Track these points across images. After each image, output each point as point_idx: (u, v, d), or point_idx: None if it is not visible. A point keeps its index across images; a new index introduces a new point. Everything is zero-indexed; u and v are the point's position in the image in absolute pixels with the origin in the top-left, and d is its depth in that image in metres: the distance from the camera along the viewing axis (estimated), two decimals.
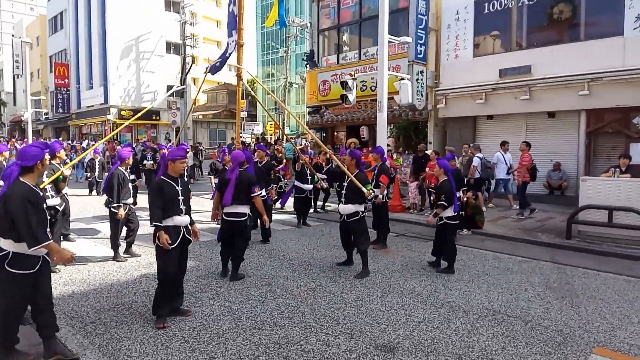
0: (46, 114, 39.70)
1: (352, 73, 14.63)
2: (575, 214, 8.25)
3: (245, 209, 5.84)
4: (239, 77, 7.69)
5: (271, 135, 33.48)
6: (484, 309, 4.98)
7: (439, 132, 14.91)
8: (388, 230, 8.04)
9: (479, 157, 10.95)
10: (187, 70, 29.16)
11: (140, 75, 32.88)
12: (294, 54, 40.63)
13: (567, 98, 11.66)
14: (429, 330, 4.38)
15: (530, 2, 12.39)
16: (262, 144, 15.11)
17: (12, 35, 45.27)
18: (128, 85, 32.43)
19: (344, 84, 11.98)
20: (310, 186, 9.72)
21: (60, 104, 36.57)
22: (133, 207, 7.02)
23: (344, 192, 6.22)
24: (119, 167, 6.65)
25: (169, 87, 33.70)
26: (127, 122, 8.97)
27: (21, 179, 3.44)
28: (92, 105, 33.53)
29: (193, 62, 30.39)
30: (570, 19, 11.99)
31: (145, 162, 14.64)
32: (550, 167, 12.24)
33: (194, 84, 41.16)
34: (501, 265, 6.83)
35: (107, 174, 7.55)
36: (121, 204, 6.53)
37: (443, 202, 6.29)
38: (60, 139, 29.70)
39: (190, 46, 29.07)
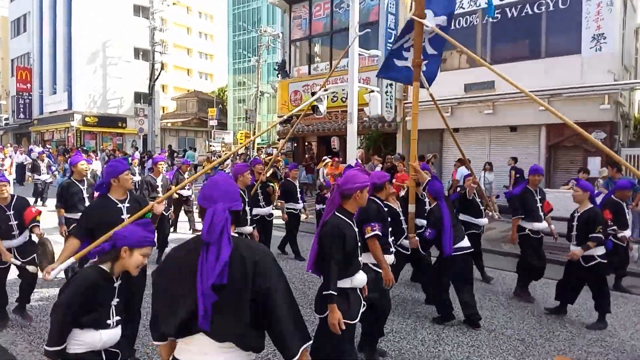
0: (6, 119, 38.19)
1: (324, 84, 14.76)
2: None
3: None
4: (418, 65, 5.45)
5: (241, 144, 33.29)
6: None
7: (407, 143, 15.18)
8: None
9: None
10: (155, 77, 28.63)
11: (106, 81, 32.10)
12: (265, 63, 40.65)
13: (529, 113, 12.12)
14: (397, 341, 4.42)
15: (494, 20, 12.87)
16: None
17: None
18: (94, 91, 31.58)
19: (315, 95, 12.08)
20: (486, 220, 6.54)
21: (22, 109, 35.20)
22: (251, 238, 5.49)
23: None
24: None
25: (137, 94, 33.01)
26: (259, 134, 7.89)
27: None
28: (55, 111, 32.45)
29: (162, 68, 29.92)
30: (532, 37, 12.54)
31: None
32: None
33: (163, 91, 40.50)
34: None
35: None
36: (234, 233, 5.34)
37: (599, 235, 4.87)
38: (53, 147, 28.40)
39: (160, 52, 28.56)
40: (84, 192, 5.67)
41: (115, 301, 2.50)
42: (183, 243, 1.96)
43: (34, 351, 4.07)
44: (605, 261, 4.97)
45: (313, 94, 12.23)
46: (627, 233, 6.16)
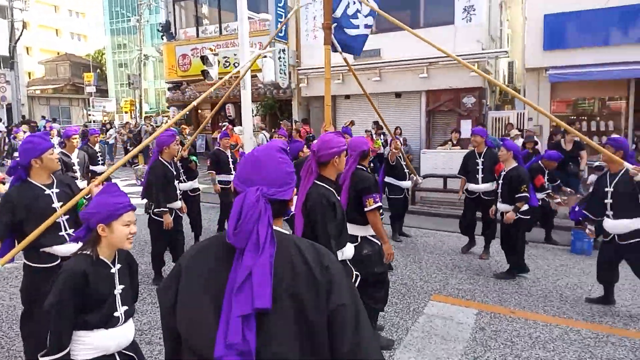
0: None
1: (213, 48, 14.24)
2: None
3: None
4: (327, 27, 5.30)
5: (126, 113, 30.97)
6: None
7: (302, 110, 15.45)
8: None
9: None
10: (17, 38, 24.96)
11: None
12: (148, 23, 37.60)
13: (411, 80, 13.06)
14: None
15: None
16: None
17: None
18: None
19: (204, 59, 11.61)
20: (409, 183, 7.14)
21: None
22: (181, 213, 5.33)
23: (609, 200, 4.30)
24: (160, 158, 5.06)
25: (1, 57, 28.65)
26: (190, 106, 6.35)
27: None
28: None
29: (24, 27, 26.16)
30: (412, 8, 13.35)
31: None
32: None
33: (27, 53, 35.67)
34: None
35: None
36: (166, 209, 4.93)
37: (525, 194, 5.16)
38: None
39: (20, 9, 24.82)
40: None
41: (118, 289, 2.15)
42: (205, 244, 1.31)
43: None
44: (528, 217, 5.35)
45: (202, 57, 11.72)
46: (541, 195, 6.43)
